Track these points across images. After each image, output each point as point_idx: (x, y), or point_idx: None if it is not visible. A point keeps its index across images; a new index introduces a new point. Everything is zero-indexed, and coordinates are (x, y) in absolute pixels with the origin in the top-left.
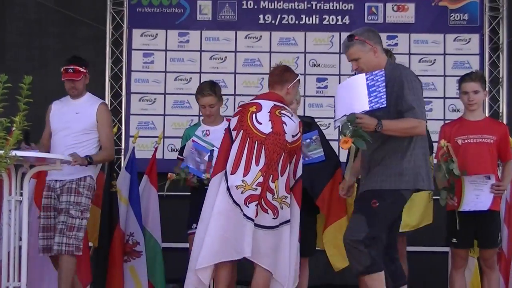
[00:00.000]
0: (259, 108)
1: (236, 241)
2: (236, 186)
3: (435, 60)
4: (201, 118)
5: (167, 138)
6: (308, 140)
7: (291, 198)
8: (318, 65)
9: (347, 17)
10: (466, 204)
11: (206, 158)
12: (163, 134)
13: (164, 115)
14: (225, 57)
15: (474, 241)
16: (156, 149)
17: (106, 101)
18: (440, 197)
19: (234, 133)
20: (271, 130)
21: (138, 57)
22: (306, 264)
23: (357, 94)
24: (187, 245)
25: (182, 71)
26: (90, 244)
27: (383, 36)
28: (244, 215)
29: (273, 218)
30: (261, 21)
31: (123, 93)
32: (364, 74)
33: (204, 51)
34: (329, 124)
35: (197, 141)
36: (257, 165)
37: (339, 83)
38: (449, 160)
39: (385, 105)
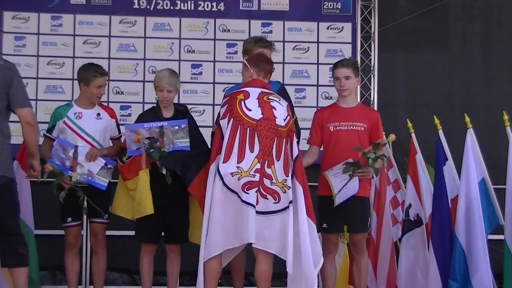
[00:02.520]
0: (247, 95)
1: (236, 229)
2: (231, 173)
3: (308, 48)
4: (74, 99)
5: (40, 123)
6: (176, 127)
7: (292, 179)
8: (193, 51)
9: (222, 3)
10: (339, 198)
11: (70, 154)
12: None
13: (36, 100)
14: (99, 41)
15: (345, 227)
16: None
17: None
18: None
19: (223, 122)
20: (261, 116)
21: (10, 40)
22: (178, 251)
23: None
24: (61, 232)
25: (55, 56)
26: None
27: (258, 23)
28: (243, 201)
29: (275, 203)
30: (136, 6)
31: None
32: None
33: (77, 35)
34: (204, 110)
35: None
36: (252, 151)
37: (214, 69)
38: (377, 153)
39: None
